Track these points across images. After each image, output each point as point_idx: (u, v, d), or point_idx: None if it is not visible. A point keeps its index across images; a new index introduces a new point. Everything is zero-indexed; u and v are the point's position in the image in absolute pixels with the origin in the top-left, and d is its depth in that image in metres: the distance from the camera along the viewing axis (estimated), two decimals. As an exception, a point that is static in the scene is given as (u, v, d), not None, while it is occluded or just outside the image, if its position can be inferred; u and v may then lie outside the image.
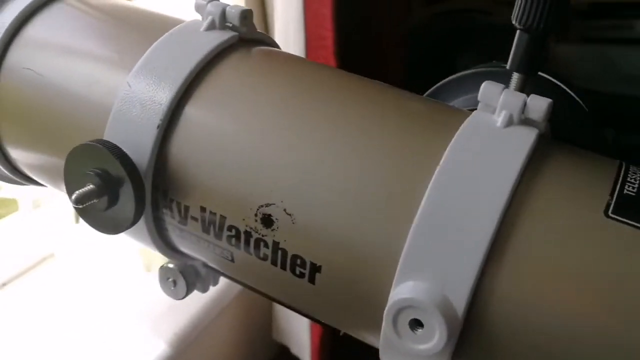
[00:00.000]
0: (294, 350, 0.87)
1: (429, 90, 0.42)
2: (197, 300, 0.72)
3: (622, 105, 1.08)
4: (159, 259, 0.75)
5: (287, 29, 0.69)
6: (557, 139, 0.33)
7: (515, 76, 0.32)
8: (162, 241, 0.34)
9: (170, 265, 0.39)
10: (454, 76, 0.41)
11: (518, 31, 0.31)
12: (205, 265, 0.37)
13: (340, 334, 0.35)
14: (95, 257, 0.79)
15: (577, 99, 0.40)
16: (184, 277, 0.38)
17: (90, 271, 0.76)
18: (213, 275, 0.40)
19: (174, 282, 0.39)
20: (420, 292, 0.24)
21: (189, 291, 0.39)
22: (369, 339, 0.30)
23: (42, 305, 0.71)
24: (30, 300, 0.71)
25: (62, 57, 0.35)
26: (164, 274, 0.39)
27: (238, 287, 0.58)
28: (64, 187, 0.36)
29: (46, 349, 0.64)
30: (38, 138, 0.36)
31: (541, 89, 0.38)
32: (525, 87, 0.31)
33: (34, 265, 0.77)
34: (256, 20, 0.74)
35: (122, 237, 0.77)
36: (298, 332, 0.84)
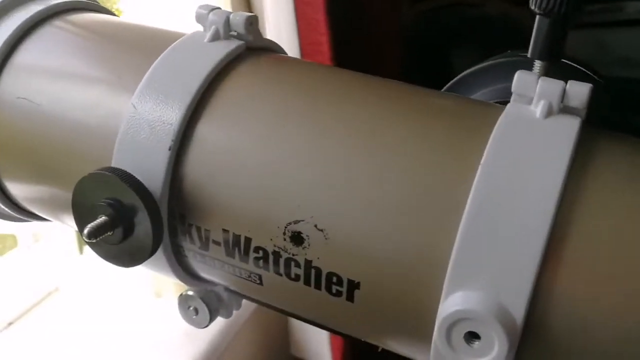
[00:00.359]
0: (314, 365, 0.85)
1: (446, 86, 0.40)
2: (213, 324, 0.70)
3: (617, 87, 1.07)
4: (170, 285, 0.73)
5: (280, 36, 0.67)
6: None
7: (538, 64, 0.30)
8: (182, 269, 0.32)
9: (190, 293, 0.36)
10: (469, 70, 0.40)
11: (538, 17, 0.29)
12: (228, 289, 0.35)
13: (379, 350, 0.33)
14: (102, 287, 0.76)
15: (602, 83, 0.38)
16: (206, 304, 0.36)
17: (99, 303, 0.74)
18: (236, 299, 0.38)
19: (196, 310, 0.37)
20: (474, 302, 0.22)
21: (212, 318, 0.37)
22: (414, 354, 0.28)
23: (51, 341, 0.69)
24: (38, 337, 0.69)
25: (58, 82, 0.33)
26: (184, 302, 0.37)
27: (252, 305, 0.56)
28: (71, 221, 0.34)
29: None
30: (39, 171, 0.34)
31: (565, 75, 0.36)
32: (549, 75, 0.29)
33: (39, 302, 0.74)
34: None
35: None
36: (317, 345, 0.82)
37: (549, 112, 0.25)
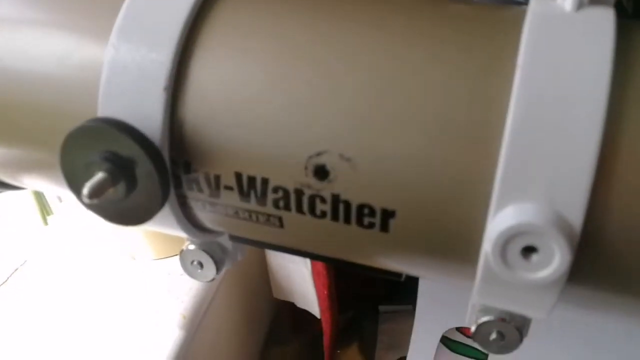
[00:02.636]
0: (301, 304, 0.84)
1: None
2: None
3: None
4: (144, 245, 0.70)
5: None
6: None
7: None
8: (189, 222, 0.29)
9: (192, 247, 0.34)
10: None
11: None
12: (233, 237, 0.33)
13: (402, 278, 0.32)
14: (74, 256, 0.73)
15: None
16: (211, 255, 0.34)
17: (73, 272, 0.70)
18: (240, 247, 0.36)
19: (200, 264, 0.34)
20: (530, 215, 0.21)
21: (219, 270, 0.35)
22: (454, 278, 0.26)
23: (32, 311, 0.65)
24: (13, 311, 0.66)
25: (19, 32, 0.29)
26: (187, 257, 0.35)
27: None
28: (54, 186, 0.30)
29: (59, 352, 0.60)
30: (9, 136, 0.30)
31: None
32: None
33: (8, 277, 0.71)
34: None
35: (101, 229, 0.70)
36: (300, 285, 0.81)
37: (579, 4, 0.23)
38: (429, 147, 0.23)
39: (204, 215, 0.29)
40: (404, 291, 0.90)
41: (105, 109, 0.26)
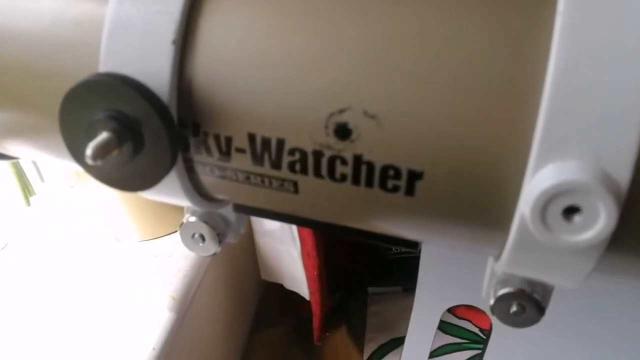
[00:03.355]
0: (289, 286, 0.83)
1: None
2: (184, 260, 0.66)
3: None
4: (129, 228, 0.67)
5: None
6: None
7: None
8: (194, 189, 0.27)
9: (193, 219, 0.33)
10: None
11: None
12: (238, 207, 0.31)
13: (418, 248, 0.31)
14: (59, 238, 0.70)
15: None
16: (213, 228, 0.32)
17: (59, 255, 0.68)
18: (242, 220, 0.34)
19: (202, 237, 0.33)
20: (575, 172, 0.20)
21: (221, 243, 0.33)
22: (480, 245, 0.25)
23: (15, 296, 0.63)
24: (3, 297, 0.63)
25: None
26: (188, 230, 0.33)
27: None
28: (50, 153, 0.29)
29: (45, 337, 0.57)
30: (1, 100, 0.28)
31: None
32: None
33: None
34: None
35: (85, 210, 0.68)
36: (289, 267, 0.80)
37: None
38: (462, 102, 0.21)
39: (212, 182, 0.27)
40: (392, 272, 0.89)
41: (108, 67, 0.24)
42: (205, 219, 0.33)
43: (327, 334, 0.85)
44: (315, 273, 0.76)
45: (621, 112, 0.19)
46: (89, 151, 0.22)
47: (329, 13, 0.23)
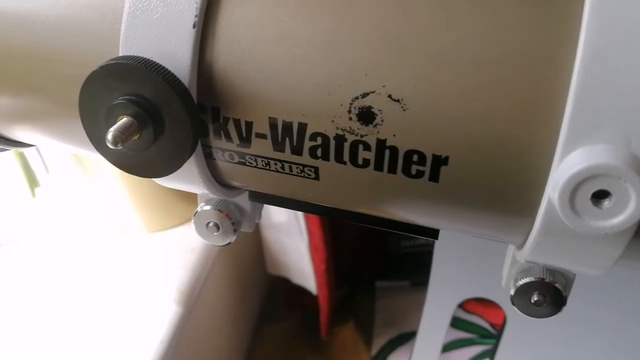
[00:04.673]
0: (296, 280, 0.82)
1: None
2: (190, 254, 0.66)
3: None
4: (134, 220, 0.67)
5: None
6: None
7: None
8: (212, 176, 0.27)
9: (207, 207, 0.32)
10: None
11: None
12: (254, 195, 0.31)
13: (437, 237, 0.30)
14: (65, 230, 0.70)
15: None
16: (228, 217, 0.32)
17: (65, 247, 0.68)
18: (258, 209, 0.34)
19: (217, 226, 0.32)
20: (605, 156, 0.19)
21: (236, 232, 0.33)
22: (503, 233, 0.25)
23: (21, 288, 0.63)
24: (3, 286, 0.63)
25: None
26: (202, 219, 0.33)
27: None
28: (67, 140, 0.28)
29: (50, 330, 0.57)
30: (19, 86, 0.28)
31: None
32: None
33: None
34: None
35: (91, 202, 0.67)
36: (296, 261, 0.79)
37: None
38: (488, 85, 0.21)
39: (230, 169, 0.27)
40: (400, 267, 0.89)
41: (127, 50, 0.24)
42: (220, 208, 0.32)
43: (335, 328, 0.85)
44: (322, 267, 0.76)
45: None
46: (109, 136, 0.22)
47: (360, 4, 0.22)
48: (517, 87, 0.21)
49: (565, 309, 0.28)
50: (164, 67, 0.22)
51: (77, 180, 0.68)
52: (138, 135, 0.23)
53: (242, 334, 0.84)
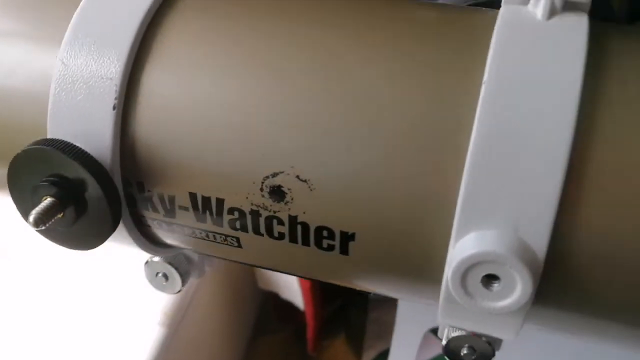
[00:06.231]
0: (285, 295, 0.84)
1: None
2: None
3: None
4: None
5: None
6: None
7: None
8: (147, 239, 0.28)
9: (156, 259, 0.33)
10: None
11: None
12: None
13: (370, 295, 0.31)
14: (51, 247, 0.71)
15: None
16: (175, 268, 0.33)
17: (49, 265, 0.69)
18: (208, 259, 0.35)
19: (165, 276, 0.34)
20: (491, 243, 0.20)
21: (184, 282, 0.34)
22: (419, 298, 0.26)
23: (5, 308, 0.64)
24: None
25: None
26: (152, 269, 0.34)
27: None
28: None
29: (33, 352, 0.59)
30: None
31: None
32: None
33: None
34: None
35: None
36: (284, 277, 0.80)
37: (551, 12, 0.22)
38: (388, 170, 0.22)
39: (163, 234, 0.28)
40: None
41: (55, 128, 0.25)
42: (169, 259, 0.33)
43: (326, 342, 0.86)
44: (308, 284, 0.77)
45: (537, 185, 0.20)
46: (31, 218, 0.23)
47: (265, 83, 0.23)
48: (416, 172, 0.22)
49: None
50: (82, 151, 0.23)
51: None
52: (62, 214, 0.24)
53: (234, 347, 0.85)
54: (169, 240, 0.28)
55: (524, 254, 0.20)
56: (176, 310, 0.64)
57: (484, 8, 0.25)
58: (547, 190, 0.20)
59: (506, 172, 0.20)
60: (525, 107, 0.20)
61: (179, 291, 0.34)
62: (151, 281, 0.34)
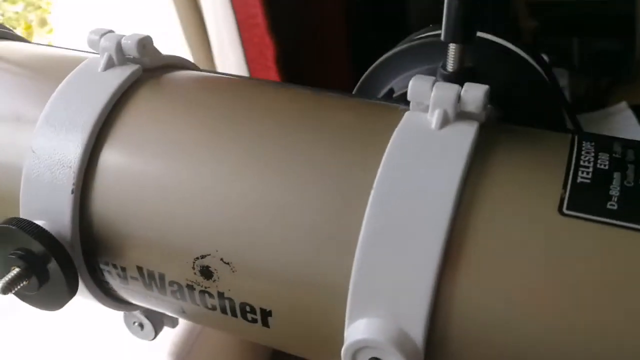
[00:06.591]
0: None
1: (369, 70, 0.39)
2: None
3: (581, 12, 1.05)
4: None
5: (216, 12, 0.65)
6: (508, 100, 0.31)
7: (452, 47, 0.29)
8: (112, 299, 0.32)
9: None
10: (392, 52, 0.39)
11: (446, -2, 0.28)
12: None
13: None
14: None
15: (522, 53, 0.38)
16: (149, 319, 0.37)
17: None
18: (180, 309, 0.38)
19: (141, 325, 0.37)
20: (374, 330, 0.23)
21: (157, 331, 0.38)
22: None
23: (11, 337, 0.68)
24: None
25: None
26: (129, 319, 0.37)
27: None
28: None
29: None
30: None
31: (483, 53, 0.36)
32: (465, 56, 0.29)
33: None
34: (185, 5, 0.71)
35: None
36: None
37: (444, 122, 0.24)
38: (293, 259, 0.25)
39: (125, 294, 0.31)
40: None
41: (26, 206, 0.29)
42: (143, 311, 0.37)
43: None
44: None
45: (413, 280, 0.22)
46: (-1, 286, 0.27)
47: (198, 177, 0.27)
48: (317, 265, 0.25)
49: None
50: (42, 231, 0.27)
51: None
52: (27, 281, 0.28)
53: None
54: (130, 299, 0.32)
55: (402, 342, 0.23)
56: (185, 340, 0.67)
57: (395, 105, 0.27)
58: (422, 284, 0.22)
59: (387, 268, 0.23)
60: (405, 212, 0.23)
61: (152, 339, 0.38)
62: (129, 328, 0.38)
